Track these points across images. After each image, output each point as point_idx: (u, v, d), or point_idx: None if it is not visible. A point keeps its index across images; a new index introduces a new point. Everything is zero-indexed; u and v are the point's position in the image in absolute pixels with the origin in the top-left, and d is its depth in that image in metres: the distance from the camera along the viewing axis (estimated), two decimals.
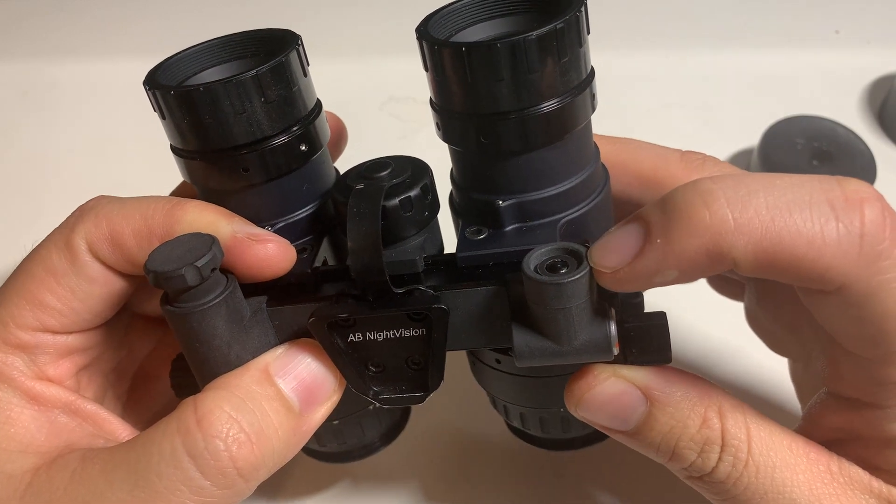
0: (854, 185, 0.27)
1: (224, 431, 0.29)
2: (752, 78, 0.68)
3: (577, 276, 0.28)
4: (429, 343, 0.31)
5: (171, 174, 0.65)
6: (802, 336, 0.37)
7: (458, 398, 0.46)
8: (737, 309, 0.42)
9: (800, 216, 0.26)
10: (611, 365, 0.31)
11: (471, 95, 0.31)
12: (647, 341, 0.30)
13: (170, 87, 0.32)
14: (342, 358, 0.32)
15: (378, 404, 0.33)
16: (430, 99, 0.33)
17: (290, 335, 0.32)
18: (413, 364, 0.32)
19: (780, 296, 0.38)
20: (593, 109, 0.33)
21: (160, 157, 0.67)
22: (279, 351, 0.32)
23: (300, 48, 0.34)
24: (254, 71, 0.31)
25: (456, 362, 0.37)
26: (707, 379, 0.31)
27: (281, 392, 0.31)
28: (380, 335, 0.31)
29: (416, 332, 0.31)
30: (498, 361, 0.35)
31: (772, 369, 0.45)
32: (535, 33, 0.29)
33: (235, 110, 0.31)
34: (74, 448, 0.32)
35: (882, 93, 0.66)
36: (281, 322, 0.32)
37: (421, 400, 0.32)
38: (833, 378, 0.32)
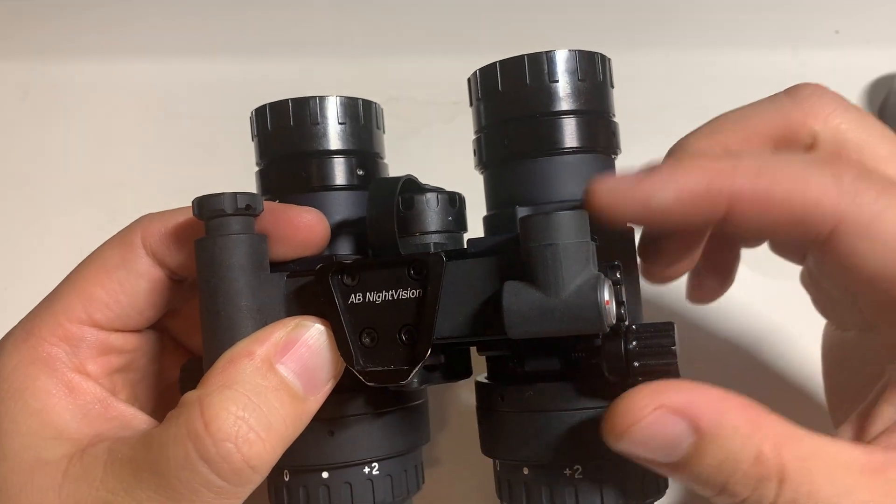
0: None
1: (233, 433, 0.29)
2: (752, 78, 0.68)
3: (567, 210, 0.29)
4: (423, 302, 0.32)
5: (170, 175, 0.65)
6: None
7: None
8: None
9: (785, 160, 0.31)
10: (651, 388, 0.29)
11: (501, 102, 0.36)
12: (654, 344, 0.30)
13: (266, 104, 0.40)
14: (338, 320, 0.33)
15: (363, 379, 0.33)
16: (473, 140, 0.38)
17: (300, 309, 0.34)
18: (405, 337, 0.33)
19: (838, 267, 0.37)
20: (614, 150, 0.37)
21: (160, 158, 0.67)
22: (279, 333, 0.32)
23: (376, 107, 0.42)
24: (335, 95, 0.40)
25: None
26: (760, 403, 0.29)
27: (285, 381, 0.31)
28: (379, 296, 0.33)
29: (413, 294, 0.32)
30: (502, 398, 0.35)
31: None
32: (557, 51, 0.35)
33: (311, 121, 0.39)
34: (103, 438, 0.33)
35: (882, 93, 0.66)
36: (295, 295, 0.34)
37: (406, 375, 0.32)
38: None
